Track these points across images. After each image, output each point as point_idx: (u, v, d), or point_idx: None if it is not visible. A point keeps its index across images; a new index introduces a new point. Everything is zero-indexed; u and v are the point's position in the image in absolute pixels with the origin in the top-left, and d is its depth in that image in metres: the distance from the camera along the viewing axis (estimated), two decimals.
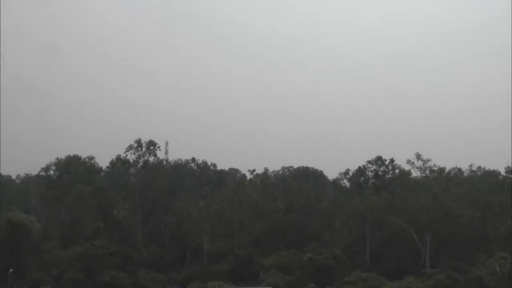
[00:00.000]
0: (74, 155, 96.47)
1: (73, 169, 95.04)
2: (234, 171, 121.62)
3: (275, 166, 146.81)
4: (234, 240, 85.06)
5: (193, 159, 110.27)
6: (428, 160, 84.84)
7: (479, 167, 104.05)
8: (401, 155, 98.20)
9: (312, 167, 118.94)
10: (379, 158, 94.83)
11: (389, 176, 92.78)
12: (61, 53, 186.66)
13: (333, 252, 75.41)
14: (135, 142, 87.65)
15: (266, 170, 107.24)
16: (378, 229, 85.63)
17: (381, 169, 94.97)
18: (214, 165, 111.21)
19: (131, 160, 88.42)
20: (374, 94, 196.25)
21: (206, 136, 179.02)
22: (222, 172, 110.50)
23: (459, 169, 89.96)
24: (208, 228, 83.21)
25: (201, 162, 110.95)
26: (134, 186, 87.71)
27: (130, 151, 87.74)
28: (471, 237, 79.55)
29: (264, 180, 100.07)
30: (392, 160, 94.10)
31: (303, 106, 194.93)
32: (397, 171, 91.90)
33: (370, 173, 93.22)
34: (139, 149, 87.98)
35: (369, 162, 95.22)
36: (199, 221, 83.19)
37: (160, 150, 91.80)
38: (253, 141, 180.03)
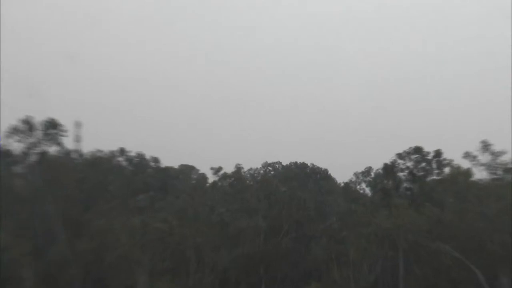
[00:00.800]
0: None
1: None
2: (187, 170, 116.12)
3: (252, 162, 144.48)
4: (188, 279, 78.17)
5: (122, 151, 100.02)
6: (502, 153, 73.86)
7: None
8: (453, 148, 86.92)
9: (312, 164, 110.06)
10: (417, 150, 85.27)
11: (434, 177, 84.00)
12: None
13: None
14: (22, 122, 76.17)
15: (238, 168, 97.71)
16: (418, 263, 77.01)
17: (420, 166, 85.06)
18: (156, 160, 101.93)
19: (15, 152, 78.20)
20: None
21: (143, 117, 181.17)
22: (168, 170, 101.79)
23: None
24: (145, 260, 74.96)
25: (135, 155, 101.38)
26: (22, 194, 77.81)
27: (15, 137, 77.19)
28: None
29: (236, 183, 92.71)
30: (438, 153, 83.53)
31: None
32: (446, 169, 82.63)
33: (403, 173, 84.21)
34: (30, 133, 77.23)
35: (400, 156, 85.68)
36: (130, 248, 75.14)
37: (67, 135, 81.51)
38: (219, 125, 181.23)
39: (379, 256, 77.62)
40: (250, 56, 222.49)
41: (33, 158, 79.17)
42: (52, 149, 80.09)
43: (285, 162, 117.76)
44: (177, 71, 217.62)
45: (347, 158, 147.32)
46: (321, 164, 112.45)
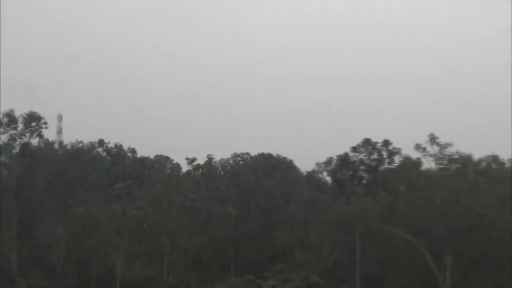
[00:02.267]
0: None
1: None
2: (162, 160, 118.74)
3: (224, 152, 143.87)
4: (162, 261, 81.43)
5: (101, 142, 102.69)
6: (448, 145, 77.28)
7: None
8: (407, 140, 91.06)
9: (278, 155, 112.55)
10: (367, 141, 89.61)
11: (387, 166, 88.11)
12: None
13: (308, 279, 73.35)
14: (3, 115, 79.34)
15: (210, 158, 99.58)
16: (373, 246, 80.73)
17: (372, 158, 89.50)
18: (133, 151, 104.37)
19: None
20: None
21: (121, 109, 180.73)
22: (144, 161, 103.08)
23: (496, 158, 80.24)
24: (124, 244, 77.42)
25: (113, 146, 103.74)
26: (7, 183, 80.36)
27: None
28: None
29: (208, 173, 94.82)
30: (386, 142, 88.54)
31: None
32: (396, 158, 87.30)
33: (358, 164, 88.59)
34: (13, 125, 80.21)
35: (354, 149, 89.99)
36: (109, 233, 77.69)
37: (47, 127, 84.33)
38: (192, 117, 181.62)
39: (338, 241, 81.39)
40: (220, 52, 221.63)
41: (16, 149, 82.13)
42: (34, 141, 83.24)
43: (253, 153, 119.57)
44: (154, 65, 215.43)
45: (310, 149, 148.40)
46: (286, 155, 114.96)
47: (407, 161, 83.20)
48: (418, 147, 77.77)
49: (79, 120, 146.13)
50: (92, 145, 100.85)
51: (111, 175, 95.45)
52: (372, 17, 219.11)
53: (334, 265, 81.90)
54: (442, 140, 77.92)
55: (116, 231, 77.66)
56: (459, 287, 73.34)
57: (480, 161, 78.64)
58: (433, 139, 77.01)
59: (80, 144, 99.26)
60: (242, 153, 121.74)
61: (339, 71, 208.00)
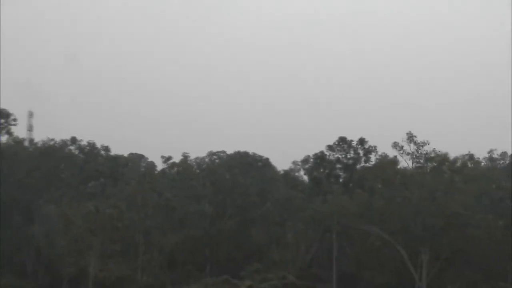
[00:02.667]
0: None
1: None
2: (137, 158, 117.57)
3: (200, 151, 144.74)
4: (136, 260, 79.94)
5: (74, 140, 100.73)
6: (424, 143, 78.28)
7: (504, 153, 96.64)
8: (386, 138, 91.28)
9: (254, 153, 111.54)
10: (342, 140, 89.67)
11: (363, 165, 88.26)
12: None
13: (284, 278, 73.57)
14: None
15: (185, 156, 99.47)
16: (350, 244, 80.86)
17: (349, 156, 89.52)
18: (107, 149, 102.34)
19: None
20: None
21: (96, 106, 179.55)
22: (118, 158, 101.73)
23: (471, 156, 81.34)
24: (97, 243, 76.14)
25: (85, 144, 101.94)
26: None
27: None
28: (489, 257, 73.73)
29: (183, 171, 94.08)
30: (362, 141, 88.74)
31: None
32: (372, 156, 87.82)
33: (337, 162, 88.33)
34: None
35: (330, 147, 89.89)
36: (82, 232, 76.10)
37: (17, 124, 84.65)
38: (168, 116, 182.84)
39: (315, 239, 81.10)
40: (196, 49, 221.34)
41: None
42: (4, 138, 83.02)
43: (229, 151, 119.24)
44: (127, 62, 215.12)
45: (287, 148, 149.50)
46: (262, 153, 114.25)
47: (384, 159, 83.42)
48: (395, 145, 77.89)
49: (53, 118, 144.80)
50: (64, 143, 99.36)
51: (84, 173, 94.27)
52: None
53: (310, 264, 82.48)
54: (420, 138, 78.74)
55: (89, 230, 76.06)
56: (435, 285, 73.16)
57: (456, 159, 78.96)
58: (410, 138, 77.25)
59: (52, 142, 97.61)
60: (218, 151, 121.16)
61: (319, 69, 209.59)
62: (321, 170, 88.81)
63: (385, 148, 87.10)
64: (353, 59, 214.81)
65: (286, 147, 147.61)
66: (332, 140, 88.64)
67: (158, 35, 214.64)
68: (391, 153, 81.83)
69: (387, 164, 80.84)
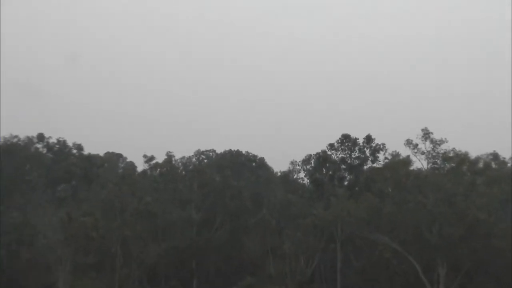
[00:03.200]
0: None
1: None
2: (114, 158, 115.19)
3: (186, 150, 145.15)
4: (113, 274, 77.83)
5: (41, 136, 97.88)
6: (442, 141, 75.25)
7: None
8: (397, 137, 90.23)
9: (247, 152, 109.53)
10: (346, 137, 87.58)
11: (371, 165, 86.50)
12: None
13: None
14: None
15: (169, 155, 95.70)
16: (356, 255, 79.06)
17: (354, 155, 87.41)
18: (79, 147, 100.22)
19: None
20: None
21: (68, 103, 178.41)
22: (92, 158, 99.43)
23: (496, 156, 79.77)
24: (68, 256, 73.58)
25: (55, 141, 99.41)
26: None
27: None
28: None
29: (167, 172, 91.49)
30: (369, 138, 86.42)
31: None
32: (384, 155, 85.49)
33: (337, 163, 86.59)
34: None
35: (332, 146, 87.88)
36: (51, 243, 74.05)
37: None
38: (150, 112, 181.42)
39: (317, 249, 79.00)
40: (183, 42, 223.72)
41: None
42: None
43: (219, 150, 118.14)
44: (101, 57, 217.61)
45: (285, 146, 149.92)
46: (257, 152, 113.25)
47: (394, 158, 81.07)
48: (409, 143, 75.54)
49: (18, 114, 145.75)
50: (29, 140, 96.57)
51: (53, 174, 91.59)
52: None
53: (311, 277, 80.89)
54: (437, 136, 76.06)
55: (59, 241, 73.34)
56: None
57: (477, 159, 76.88)
58: (426, 134, 74.84)
59: (15, 139, 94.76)
60: (206, 150, 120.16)
61: (318, 66, 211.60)
62: (324, 172, 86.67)
63: (395, 147, 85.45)
64: (359, 52, 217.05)
65: (284, 146, 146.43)
66: (336, 138, 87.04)
67: (152, 34, 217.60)
68: (404, 152, 79.33)
69: (399, 164, 78.22)
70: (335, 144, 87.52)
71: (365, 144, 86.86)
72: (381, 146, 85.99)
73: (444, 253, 70.86)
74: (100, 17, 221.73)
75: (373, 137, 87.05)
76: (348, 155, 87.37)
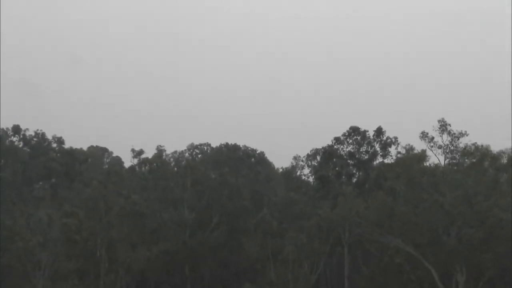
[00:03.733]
0: None
1: None
2: (99, 152, 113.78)
3: (178, 143, 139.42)
4: (98, 281, 76.56)
5: (17, 129, 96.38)
6: (462, 134, 72.08)
7: None
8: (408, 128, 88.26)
9: (245, 146, 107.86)
10: (355, 130, 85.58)
11: (381, 161, 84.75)
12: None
13: None
14: None
15: (160, 150, 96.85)
16: (366, 260, 77.88)
17: (362, 150, 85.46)
18: (60, 141, 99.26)
19: None
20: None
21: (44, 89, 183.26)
22: (74, 153, 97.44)
23: None
24: (48, 261, 72.13)
25: (32, 134, 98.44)
26: None
27: None
28: None
29: (158, 168, 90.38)
30: (379, 131, 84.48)
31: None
32: (396, 150, 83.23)
33: (350, 158, 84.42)
34: None
35: (339, 140, 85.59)
36: (29, 247, 71.77)
37: None
38: (138, 103, 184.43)
39: (322, 253, 77.87)
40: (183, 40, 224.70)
41: None
42: None
43: (215, 143, 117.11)
44: (89, 46, 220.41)
45: (287, 140, 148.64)
46: (256, 146, 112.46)
47: (408, 153, 78.63)
48: (424, 135, 72.81)
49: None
50: (4, 133, 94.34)
51: (30, 170, 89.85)
52: (370, 14, 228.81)
53: (316, 284, 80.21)
54: (455, 128, 72.77)
55: (38, 244, 71.42)
56: None
57: (500, 154, 74.65)
58: (443, 126, 71.98)
59: None
60: (200, 144, 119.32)
61: (322, 58, 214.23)
62: (330, 167, 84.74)
63: (409, 140, 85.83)
64: (372, 36, 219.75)
65: (286, 140, 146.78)
66: (343, 131, 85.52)
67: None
68: (418, 146, 76.67)
69: (413, 159, 75.71)
70: (341, 137, 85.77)
71: (375, 138, 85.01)
72: (393, 140, 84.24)
73: (463, 258, 68.64)
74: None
75: (384, 129, 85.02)
76: (356, 149, 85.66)
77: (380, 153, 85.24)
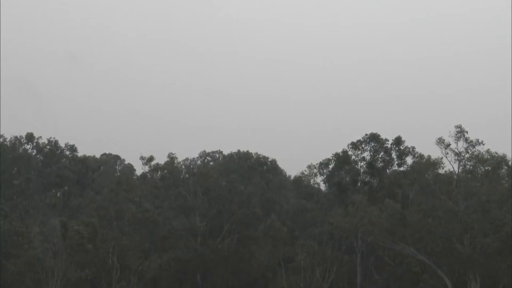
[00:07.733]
0: None
1: None
2: (111, 160, 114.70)
3: (190, 151, 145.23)
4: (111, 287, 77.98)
5: (31, 136, 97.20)
6: (478, 143, 72.69)
7: None
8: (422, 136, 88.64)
9: (257, 154, 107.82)
10: (373, 137, 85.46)
11: (396, 169, 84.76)
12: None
13: None
14: None
15: (171, 157, 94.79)
16: (379, 268, 77.88)
17: (378, 157, 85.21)
18: (72, 149, 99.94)
19: None
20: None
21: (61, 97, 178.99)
22: (87, 161, 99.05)
23: None
24: (60, 269, 72.39)
25: (45, 142, 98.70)
26: None
27: None
28: None
29: (169, 176, 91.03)
30: (398, 140, 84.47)
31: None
32: (408, 159, 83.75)
33: (360, 165, 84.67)
34: None
35: (355, 145, 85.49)
36: (41, 254, 72.45)
37: None
38: (152, 110, 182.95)
39: (334, 261, 77.98)
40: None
41: None
42: None
43: (226, 151, 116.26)
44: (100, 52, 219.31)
45: (299, 148, 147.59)
46: (268, 154, 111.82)
47: (422, 160, 79.16)
48: (440, 141, 72.83)
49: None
50: (17, 140, 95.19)
51: (43, 178, 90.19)
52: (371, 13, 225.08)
53: None
54: (472, 136, 73.06)
55: (51, 252, 72.17)
56: None
57: None
58: (460, 133, 72.00)
59: (1, 139, 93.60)
60: (212, 152, 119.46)
61: (331, 65, 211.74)
62: (345, 174, 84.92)
63: (425, 150, 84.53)
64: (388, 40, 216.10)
65: (298, 147, 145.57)
66: (357, 138, 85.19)
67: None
68: (434, 153, 77.07)
69: (427, 166, 76.65)
70: (357, 143, 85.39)
71: (393, 146, 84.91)
72: (411, 150, 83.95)
73: (477, 267, 69.01)
74: (98, 15, 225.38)
75: (403, 139, 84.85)
76: (371, 157, 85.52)
77: (397, 162, 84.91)
